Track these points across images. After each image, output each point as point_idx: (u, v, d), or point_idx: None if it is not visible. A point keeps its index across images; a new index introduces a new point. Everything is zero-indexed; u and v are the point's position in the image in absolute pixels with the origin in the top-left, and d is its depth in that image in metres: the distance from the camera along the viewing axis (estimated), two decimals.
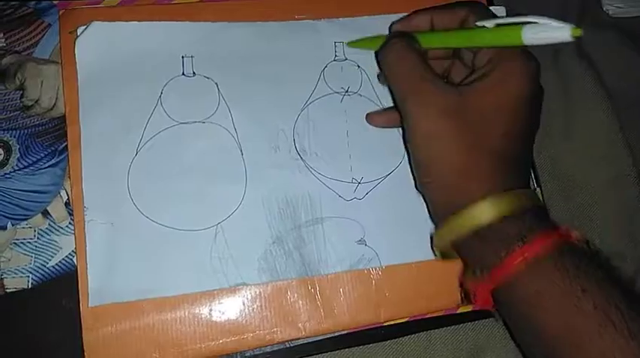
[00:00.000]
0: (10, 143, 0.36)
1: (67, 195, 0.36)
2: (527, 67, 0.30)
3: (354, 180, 0.38)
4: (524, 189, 0.30)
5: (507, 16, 0.30)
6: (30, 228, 0.35)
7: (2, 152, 0.36)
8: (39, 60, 0.37)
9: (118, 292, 0.34)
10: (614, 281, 0.27)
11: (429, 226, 0.37)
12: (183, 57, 0.38)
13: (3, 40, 0.37)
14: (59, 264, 0.35)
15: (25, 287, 0.34)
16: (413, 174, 0.33)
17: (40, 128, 0.36)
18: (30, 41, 0.37)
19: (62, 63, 0.37)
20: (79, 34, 0.36)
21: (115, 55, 0.37)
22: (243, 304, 0.35)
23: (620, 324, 0.25)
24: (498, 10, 0.42)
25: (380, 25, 0.38)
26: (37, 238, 0.35)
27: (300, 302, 0.36)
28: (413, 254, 0.37)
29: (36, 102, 0.37)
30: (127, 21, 0.37)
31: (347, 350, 0.38)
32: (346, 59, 0.40)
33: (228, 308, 0.35)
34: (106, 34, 0.37)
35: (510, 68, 0.29)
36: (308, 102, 0.39)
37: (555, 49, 0.47)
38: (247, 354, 0.35)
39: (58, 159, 0.36)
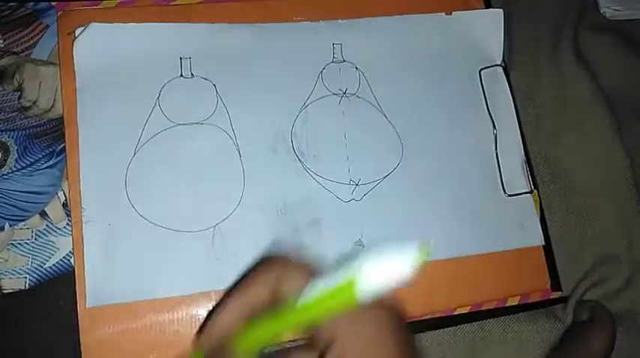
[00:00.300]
0: (8, 144, 0.36)
1: (65, 196, 0.36)
2: (370, 326, 0.23)
3: (351, 182, 0.38)
4: None
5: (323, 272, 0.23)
6: (27, 228, 0.35)
7: (0, 153, 0.36)
8: (37, 61, 0.37)
9: (116, 293, 0.34)
10: None
11: (426, 227, 0.37)
12: (181, 58, 0.38)
13: (1, 41, 0.37)
14: (56, 264, 0.35)
15: (23, 288, 0.34)
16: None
17: (38, 129, 0.36)
18: (28, 42, 0.37)
19: (60, 64, 0.37)
20: (77, 35, 0.36)
21: (113, 56, 0.37)
22: None
23: None
24: (496, 13, 0.42)
25: (377, 27, 0.38)
26: (35, 239, 0.35)
27: None
28: None
29: (34, 103, 0.37)
30: (125, 22, 0.37)
31: None
32: (344, 61, 0.40)
33: None
34: (104, 35, 0.37)
35: (352, 334, 0.23)
36: (306, 104, 0.39)
37: (553, 50, 0.47)
38: None
39: (56, 161, 0.36)
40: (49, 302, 0.34)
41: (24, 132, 0.36)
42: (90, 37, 0.36)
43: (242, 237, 0.36)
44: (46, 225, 0.35)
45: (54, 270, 0.35)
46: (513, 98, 0.43)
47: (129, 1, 0.39)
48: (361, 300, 0.20)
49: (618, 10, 0.49)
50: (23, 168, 0.36)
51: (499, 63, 0.43)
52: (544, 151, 0.45)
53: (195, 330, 0.34)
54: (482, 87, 0.42)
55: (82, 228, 0.34)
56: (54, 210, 0.35)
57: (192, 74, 0.38)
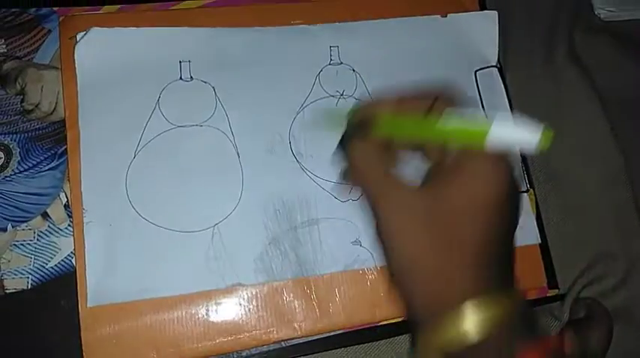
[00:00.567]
0: (11, 146, 0.36)
1: (67, 197, 0.36)
2: (496, 169, 0.27)
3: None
4: (508, 291, 0.27)
5: (478, 108, 0.28)
6: (30, 229, 0.35)
7: (3, 155, 0.36)
8: (39, 65, 0.38)
9: (117, 293, 0.34)
10: None
11: None
12: (180, 62, 0.39)
13: (4, 46, 0.38)
14: (58, 265, 0.35)
15: (25, 288, 0.35)
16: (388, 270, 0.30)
17: (40, 132, 0.37)
18: (30, 47, 0.38)
19: (62, 68, 0.37)
20: (78, 39, 0.37)
21: (113, 60, 0.38)
22: (240, 304, 0.36)
23: None
24: (490, 14, 0.42)
25: (374, 29, 0.38)
26: (37, 240, 0.35)
27: (296, 302, 0.36)
28: None
29: (36, 106, 0.37)
30: (125, 27, 0.38)
31: (343, 349, 0.38)
32: (341, 63, 0.41)
33: (225, 309, 0.35)
34: (105, 39, 0.37)
35: (477, 172, 0.27)
36: (304, 106, 0.40)
37: (548, 50, 0.47)
38: (244, 354, 0.36)
39: (58, 163, 0.37)
40: (51, 302, 0.35)
41: (26, 134, 0.37)
42: (91, 41, 0.37)
43: (241, 237, 0.36)
44: (48, 226, 0.36)
45: (56, 270, 0.35)
46: (509, 99, 0.43)
47: (129, 6, 0.39)
48: (489, 147, 0.25)
49: (612, 12, 0.49)
50: (25, 170, 0.36)
51: (494, 64, 0.43)
52: (540, 151, 0.45)
53: (195, 329, 0.35)
54: (478, 88, 0.42)
55: (83, 229, 0.35)
56: (56, 211, 0.36)
57: (191, 77, 0.39)
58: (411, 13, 0.42)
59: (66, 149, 0.36)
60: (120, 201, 0.36)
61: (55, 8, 0.39)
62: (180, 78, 0.38)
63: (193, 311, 0.35)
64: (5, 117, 0.37)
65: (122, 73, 0.38)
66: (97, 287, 0.34)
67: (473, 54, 0.43)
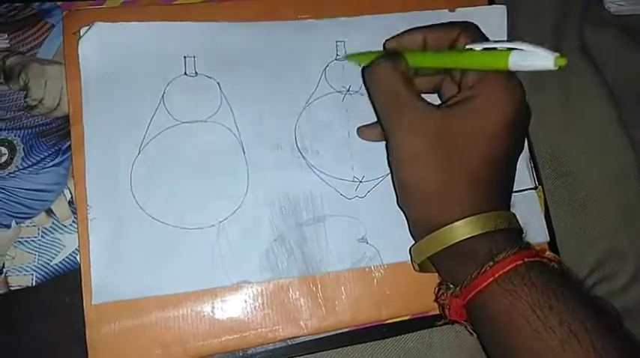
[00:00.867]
0: (15, 142, 0.36)
1: (71, 193, 0.36)
2: (510, 94, 0.30)
3: (355, 179, 0.38)
4: (501, 211, 0.31)
5: (498, 41, 0.30)
6: (34, 226, 0.35)
7: (7, 151, 0.36)
8: (43, 60, 0.37)
9: (121, 290, 0.34)
10: (583, 299, 0.28)
11: None
12: (185, 57, 0.38)
13: (7, 40, 0.37)
14: (63, 261, 0.35)
15: (29, 284, 0.34)
16: (395, 191, 0.35)
17: (44, 128, 0.37)
18: (34, 42, 0.38)
19: (66, 63, 0.37)
20: (82, 34, 0.37)
21: (117, 55, 0.37)
22: (245, 302, 0.35)
23: (585, 340, 0.26)
24: (498, 9, 0.42)
25: (381, 24, 0.38)
26: (41, 236, 0.35)
27: (302, 300, 0.36)
28: None
29: (40, 102, 0.37)
30: (129, 21, 0.37)
31: (349, 347, 0.38)
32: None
33: (231, 306, 0.35)
34: (108, 34, 0.37)
35: (492, 95, 0.30)
36: (310, 101, 0.39)
37: (557, 45, 0.47)
38: (249, 352, 0.36)
39: (62, 159, 0.36)
40: (56, 299, 0.34)
41: (30, 130, 0.36)
42: (95, 36, 0.37)
43: (246, 234, 0.36)
44: (52, 223, 0.35)
45: (60, 267, 0.35)
46: None
47: (133, 0, 0.39)
48: (512, 69, 0.28)
49: (622, 5, 0.48)
50: (29, 166, 0.36)
51: None
52: (548, 147, 0.44)
53: (200, 326, 0.34)
54: None
55: (87, 226, 0.35)
56: (60, 207, 0.36)
57: (196, 72, 0.38)
58: (419, 8, 0.41)
59: (70, 145, 0.36)
60: (124, 198, 0.35)
61: (58, 3, 0.38)
62: (185, 73, 0.38)
63: (198, 309, 0.35)
64: (9, 113, 0.36)
65: (126, 68, 0.37)
66: (102, 285, 0.34)
67: None
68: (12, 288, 0.34)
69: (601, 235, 0.43)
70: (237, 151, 0.37)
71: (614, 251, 0.43)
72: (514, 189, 0.39)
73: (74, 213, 0.35)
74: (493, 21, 0.41)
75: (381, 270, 0.37)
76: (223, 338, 0.35)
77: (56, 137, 0.37)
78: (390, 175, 0.38)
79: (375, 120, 0.37)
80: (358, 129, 0.39)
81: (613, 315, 0.28)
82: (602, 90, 0.45)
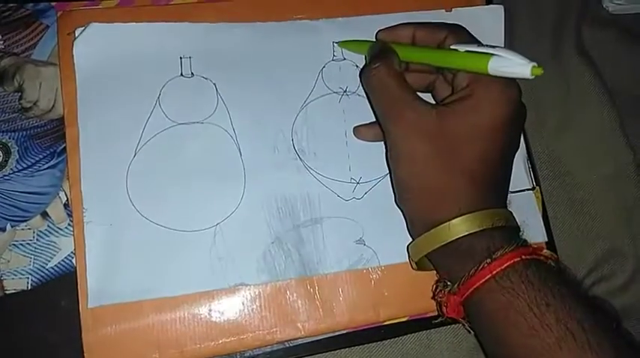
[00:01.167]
0: (9, 145, 0.36)
1: (66, 196, 0.36)
2: (504, 94, 0.31)
3: (352, 180, 0.38)
4: (498, 209, 0.31)
5: (484, 45, 0.31)
6: (29, 229, 0.35)
7: (1, 154, 0.36)
8: (37, 62, 0.37)
9: (118, 293, 0.34)
10: (580, 298, 0.28)
11: None
12: (181, 58, 0.38)
13: (1, 42, 0.37)
14: (58, 265, 0.35)
15: (25, 288, 0.34)
16: (393, 189, 0.35)
17: (39, 130, 0.36)
18: (28, 43, 0.37)
19: (60, 64, 0.37)
20: (77, 35, 0.36)
21: (113, 56, 0.37)
22: (243, 304, 0.35)
23: (581, 338, 0.26)
24: (496, 9, 0.42)
25: (377, 25, 0.38)
26: (37, 239, 0.35)
27: (300, 301, 0.36)
28: None
29: (34, 103, 0.37)
30: (125, 22, 0.37)
31: (346, 349, 0.38)
32: (344, 59, 0.40)
33: (228, 309, 0.35)
34: (104, 35, 0.37)
35: (487, 95, 0.31)
36: (306, 103, 0.39)
37: (555, 45, 0.46)
38: (247, 354, 0.35)
39: (57, 161, 0.36)
40: (51, 303, 0.34)
41: (25, 132, 0.36)
42: (90, 37, 0.36)
43: (243, 236, 0.36)
44: (48, 226, 0.35)
45: (56, 271, 0.35)
46: None
47: (129, 1, 0.39)
48: (490, 73, 0.29)
49: (620, 5, 0.48)
50: (24, 168, 0.36)
51: None
52: (546, 148, 0.44)
53: (197, 329, 0.34)
54: None
55: (83, 229, 0.34)
56: (55, 210, 0.35)
57: (192, 73, 0.38)
58: (416, 8, 0.41)
59: (65, 147, 0.36)
60: (120, 200, 0.35)
61: (52, 3, 0.38)
62: (181, 74, 0.38)
63: (195, 312, 0.35)
64: (3, 115, 0.36)
65: (122, 69, 0.37)
66: (98, 288, 0.34)
67: None
68: (7, 292, 0.34)
69: (599, 235, 0.43)
70: (233, 153, 0.37)
71: (612, 251, 0.43)
72: (512, 190, 0.39)
73: (70, 215, 0.35)
74: (490, 21, 0.41)
75: (379, 272, 0.37)
76: (220, 341, 0.34)
77: (51, 139, 0.36)
78: (387, 176, 0.38)
79: (373, 120, 0.37)
80: (355, 128, 0.39)
81: (610, 314, 0.28)
82: (600, 90, 0.45)
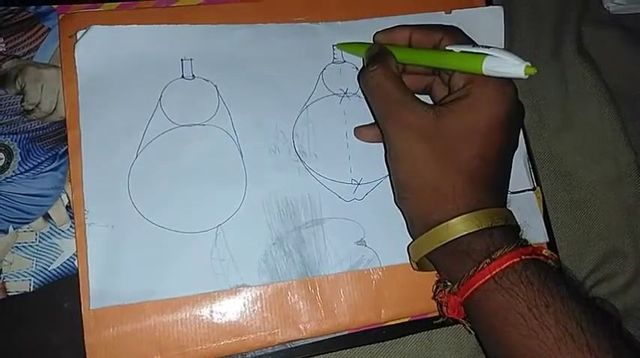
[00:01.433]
0: (11, 147, 0.36)
1: (68, 198, 0.36)
2: (500, 93, 0.31)
3: (353, 181, 0.38)
4: (498, 208, 0.31)
5: (479, 45, 0.31)
6: (31, 231, 0.35)
7: (3, 156, 0.36)
8: (39, 64, 0.37)
9: (120, 294, 0.34)
10: (579, 298, 0.28)
11: None
12: (182, 60, 0.38)
13: (3, 44, 0.37)
14: (61, 267, 0.35)
15: (27, 290, 0.34)
16: (393, 190, 0.35)
17: (41, 132, 0.37)
18: (30, 45, 0.37)
19: (62, 67, 0.37)
20: (78, 38, 0.37)
21: (114, 58, 0.37)
22: (244, 305, 0.35)
23: (580, 339, 0.26)
24: (495, 10, 0.42)
25: (377, 28, 0.38)
26: (39, 242, 0.35)
27: (301, 303, 0.36)
28: None
29: (36, 106, 0.37)
30: (126, 24, 0.37)
31: (348, 350, 0.38)
32: (345, 61, 0.40)
33: (229, 310, 0.35)
34: (105, 37, 0.37)
35: (483, 95, 0.31)
36: (307, 104, 0.39)
37: (555, 45, 0.46)
38: (248, 355, 0.35)
39: (59, 163, 0.36)
40: (54, 304, 0.34)
41: (27, 135, 0.36)
42: (91, 39, 0.37)
43: (244, 238, 0.36)
44: (50, 228, 0.35)
45: (58, 273, 0.35)
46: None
47: (130, 3, 0.39)
48: (485, 74, 0.29)
49: (621, 5, 0.48)
50: (26, 171, 0.36)
51: None
52: (547, 148, 0.44)
53: (199, 330, 0.34)
54: None
55: (85, 231, 0.34)
56: (57, 212, 0.36)
57: (193, 75, 0.38)
58: (415, 10, 0.41)
59: (67, 149, 0.36)
60: (122, 202, 0.35)
61: (54, 6, 0.38)
62: (182, 76, 0.38)
63: (197, 313, 0.35)
64: (5, 118, 0.36)
65: (123, 71, 0.37)
66: (100, 290, 0.34)
67: None
68: (10, 294, 0.34)
69: (601, 236, 0.43)
70: (234, 154, 0.37)
71: (613, 251, 0.43)
72: (513, 190, 0.39)
73: (72, 217, 0.35)
74: (490, 22, 0.41)
75: (380, 273, 0.37)
76: (222, 342, 0.35)
77: (53, 141, 0.37)
78: (388, 177, 0.38)
79: (373, 121, 0.37)
80: (355, 129, 0.39)
81: (610, 315, 0.28)
82: (600, 90, 0.45)
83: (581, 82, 0.46)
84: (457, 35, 0.34)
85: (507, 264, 0.28)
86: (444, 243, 0.30)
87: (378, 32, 0.37)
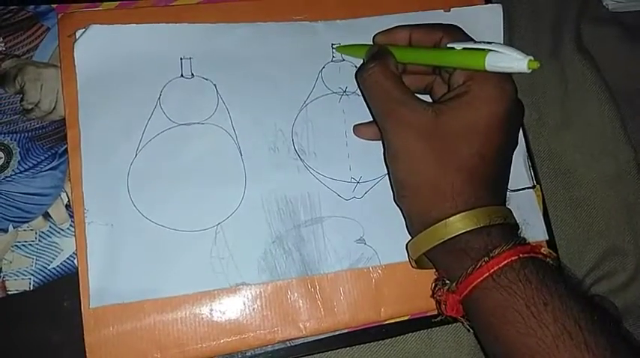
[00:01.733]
0: (11, 146, 0.36)
1: (68, 197, 0.36)
2: (499, 91, 0.31)
3: (352, 180, 0.38)
4: (496, 206, 0.31)
5: (479, 42, 0.31)
6: (31, 230, 0.35)
7: (3, 155, 0.36)
8: (38, 63, 0.37)
9: (119, 293, 0.34)
10: (578, 296, 0.28)
11: None
12: (181, 58, 0.38)
13: (2, 44, 0.37)
14: (60, 265, 0.35)
15: (27, 289, 0.34)
16: (392, 188, 0.35)
17: (41, 131, 0.37)
18: (29, 45, 0.37)
19: (61, 66, 0.37)
20: (77, 37, 0.37)
21: (113, 57, 0.37)
22: (244, 304, 0.35)
23: (578, 337, 0.26)
24: (494, 8, 0.42)
25: (376, 27, 0.38)
26: (39, 240, 0.35)
27: (301, 301, 0.36)
28: None
29: (36, 105, 0.37)
30: (125, 24, 0.37)
31: (348, 348, 0.38)
32: (344, 60, 0.40)
33: (229, 308, 0.35)
34: (104, 37, 0.37)
35: (482, 92, 0.31)
36: (306, 103, 0.39)
37: (554, 43, 0.46)
38: (248, 354, 0.35)
39: (59, 162, 0.36)
40: (54, 303, 0.34)
41: (26, 134, 0.36)
42: (90, 38, 0.37)
43: (244, 236, 0.36)
44: (50, 227, 0.35)
45: (58, 271, 0.35)
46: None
47: (129, 2, 0.39)
48: (487, 68, 0.29)
49: (620, 2, 0.48)
50: (26, 170, 0.36)
51: None
52: (547, 146, 0.44)
53: (199, 329, 0.34)
54: None
55: (84, 229, 0.34)
56: (57, 211, 0.36)
57: (192, 74, 0.38)
58: (414, 9, 0.41)
59: (66, 148, 0.36)
60: (122, 201, 0.35)
61: (53, 5, 0.38)
62: (182, 75, 0.38)
63: (197, 311, 0.35)
64: (5, 117, 0.36)
65: (122, 70, 0.37)
66: (100, 288, 0.34)
67: None
68: (9, 293, 0.34)
69: (600, 233, 0.43)
70: (234, 153, 0.37)
71: (613, 249, 0.43)
72: (512, 188, 0.39)
73: (71, 216, 0.35)
74: (489, 20, 0.41)
75: (379, 271, 0.37)
76: (222, 341, 0.35)
77: (53, 140, 0.37)
78: (387, 176, 0.38)
79: (372, 119, 0.37)
80: (355, 127, 0.39)
81: (609, 312, 0.29)
82: (600, 87, 0.45)
83: (580, 80, 0.45)
84: (457, 33, 0.34)
85: (505, 262, 0.28)
86: (442, 240, 0.30)
87: (377, 33, 0.37)
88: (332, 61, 0.40)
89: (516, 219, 0.32)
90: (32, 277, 0.34)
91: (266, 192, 0.37)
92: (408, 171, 0.32)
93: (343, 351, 0.38)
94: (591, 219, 0.43)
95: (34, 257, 0.35)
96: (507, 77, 0.31)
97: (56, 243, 0.35)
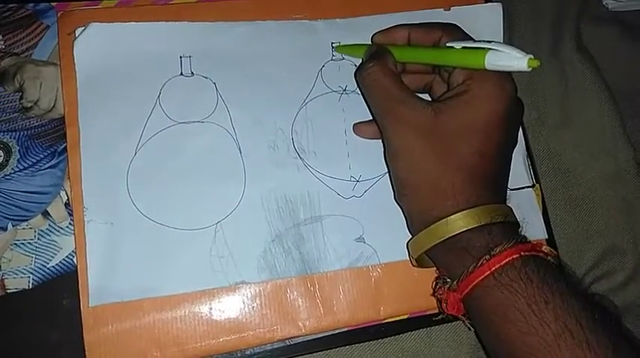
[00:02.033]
0: (10, 144, 0.36)
1: (67, 195, 0.36)
2: (499, 89, 0.31)
3: (352, 178, 0.38)
4: (497, 205, 0.31)
5: (479, 41, 0.31)
6: (30, 228, 0.35)
7: (2, 153, 0.36)
8: (38, 61, 0.37)
9: (119, 291, 0.34)
10: (578, 294, 0.28)
11: None
12: (181, 57, 0.38)
13: (2, 42, 0.37)
14: (59, 264, 0.35)
15: (26, 287, 0.34)
16: (392, 187, 0.35)
17: (40, 129, 0.37)
18: (29, 43, 0.37)
19: (61, 64, 0.37)
20: (77, 35, 0.37)
21: (113, 55, 0.37)
22: (243, 302, 0.35)
23: (579, 335, 0.26)
24: (494, 6, 0.42)
25: (376, 26, 0.38)
26: (38, 239, 0.35)
27: (300, 300, 0.36)
28: None
29: (35, 103, 0.37)
30: (125, 22, 0.37)
31: (347, 347, 0.38)
32: (343, 59, 0.40)
33: (228, 307, 0.35)
34: (104, 35, 0.37)
35: (482, 91, 0.31)
36: (306, 101, 0.39)
37: (554, 42, 0.46)
38: (247, 352, 0.35)
39: (58, 160, 0.36)
40: (53, 302, 0.34)
41: (25, 132, 0.36)
42: (90, 37, 0.37)
43: (244, 235, 0.36)
44: (49, 225, 0.35)
45: (57, 270, 0.35)
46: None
47: (128, 0, 0.39)
48: (487, 67, 0.29)
49: (620, 2, 0.48)
50: (25, 168, 0.36)
51: None
52: (546, 145, 0.44)
53: (198, 327, 0.34)
54: None
55: (84, 228, 0.34)
56: (56, 209, 0.36)
57: (192, 73, 0.38)
58: (414, 7, 0.41)
59: (66, 146, 0.36)
60: (121, 199, 0.35)
61: (53, 3, 0.38)
62: (181, 73, 0.38)
63: (196, 310, 0.35)
64: (4, 115, 0.36)
65: (122, 68, 0.37)
66: (99, 287, 0.34)
67: None
68: (9, 291, 0.34)
69: (600, 232, 0.43)
70: (233, 151, 0.37)
71: (612, 248, 0.43)
72: (512, 187, 0.39)
73: (71, 214, 0.35)
74: (489, 19, 0.41)
75: (379, 270, 0.37)
76: (221, 339, 0.35)
77: (52, 139, 0.37)
78: (387, 174, 0.38)
79: (371, 118, 0.37)
80: (354, 125, 0.39)
81: (610, 311, 0.28)
82: (600, 87, 0.45)
83: (580, 79, 0.45)
84: (456, 32, 0.34)
85: (506, 260, 0.28)
86: (443, 239, 0.30)
87: (376, 33, 0.37)
88: (332, 59, 0.40)
89: (516, 217, 0.32)
90: (31, 275, 0.34)
91: (265, 190, 0.37)
92: (408, 170, 0.32)
93: (342, 350, 0.38)
94: (590, 218, 0.43)
95: (34, 255, 0.35)
96: (507, 76, 0.31)
97: (55, 242, 0.35)
